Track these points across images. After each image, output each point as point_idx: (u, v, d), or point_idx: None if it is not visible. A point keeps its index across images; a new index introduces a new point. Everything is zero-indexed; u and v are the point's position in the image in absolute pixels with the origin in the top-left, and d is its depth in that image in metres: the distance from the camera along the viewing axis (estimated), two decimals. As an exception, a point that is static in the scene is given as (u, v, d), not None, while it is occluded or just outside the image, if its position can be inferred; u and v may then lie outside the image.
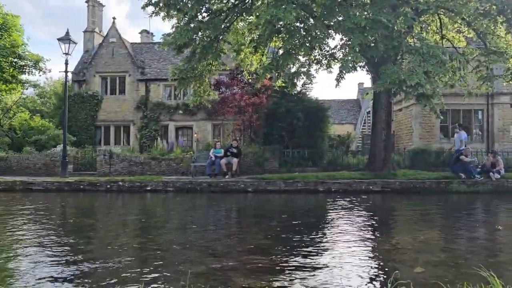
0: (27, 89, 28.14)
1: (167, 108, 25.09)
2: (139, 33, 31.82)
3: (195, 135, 24.65)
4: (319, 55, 13.98)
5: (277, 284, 3.71)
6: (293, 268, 4.20)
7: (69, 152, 16.54)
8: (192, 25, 13.66)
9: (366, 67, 14.17)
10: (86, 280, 3.74)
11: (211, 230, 6.67)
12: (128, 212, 9.21)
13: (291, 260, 4.50)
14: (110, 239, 5.84)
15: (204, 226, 7.11)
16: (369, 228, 6.76)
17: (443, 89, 15.20)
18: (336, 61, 13.60)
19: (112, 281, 3.69)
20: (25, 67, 23.95)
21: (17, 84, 24.82)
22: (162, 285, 3.60)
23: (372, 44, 12.26)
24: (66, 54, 15.83)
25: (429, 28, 15.54)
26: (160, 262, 4.38)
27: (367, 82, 42.41)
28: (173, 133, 25.31)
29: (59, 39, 15.89)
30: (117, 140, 25.66)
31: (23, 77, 25.00)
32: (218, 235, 6.19)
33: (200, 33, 14.22)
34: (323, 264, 4.35)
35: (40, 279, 3.84)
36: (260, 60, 15.59)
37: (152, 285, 3.57)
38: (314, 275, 3.97)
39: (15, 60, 23.00)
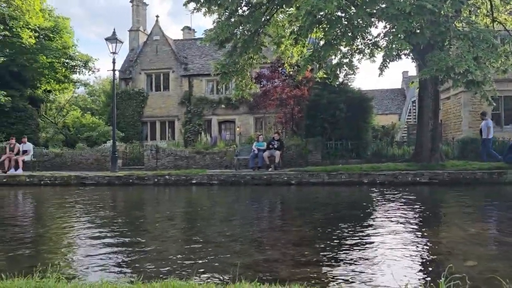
0: (78, 88, 29.62)
1: (210, 102, 25.55)
2: (181, 29, 32.55)
3: (237, 128, 24.93)
4: (361, 44, 13.67)
5: (323, 276, 3.73)
6: (339, 260, 4.20)
7: (118, 148, 17.26)
8: (232, 19, 13.79)
9: (411, 54, 13.70)
10: (136, 270, 3.92)
11: (255, 222, 6.78)
12: (175, 205, 9.52)
13: (337, 252, 4.50)
14: (159, 230, 6.08)
15: (249, 218, 7.23)
16: (418, 220, 6.60)
17: (495, 75, 14.43)
18: (379, 49, 13.25)
19: (161, 272, 3.85)
20: (76, 67, 25.21)
21: (69, 84, 26.19)
22: (211, 276, 3.72)
23: (418, 31, 11.85)
24: (113, 53, 16.46)
25: (478, 11, 14.77)
26: (208, 254, 4.51)
27: (412, 70, 40.96)
28: (216, 127, 25.74)
29: (106, 39, 16.54)
30: (162, 135, 26.46)
31: (74, 76, 26.36)
32: (263, 227, 6.28)
33: (240, 27, 14.32)
34: (371, 257, 4.31)
35: (90, 266, 4.08)
36: (301, 52, 15.49)
37: (201, 276, 3.70)
38: (361, 268, 3.95)
39: (67, 60, 24.25)
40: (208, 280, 3.54)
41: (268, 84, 20.49)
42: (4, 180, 14.47)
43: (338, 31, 12.49)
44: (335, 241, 5.03)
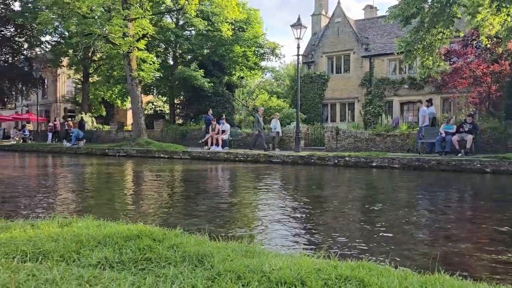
0: (266, 74, 32.19)
1: (392, 83, 24.55)
2: (363, 9, 31.81)
3: (421, 109, 23.28)
4: None
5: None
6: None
7: (301, 129, 18.28)
8: (420, -7, 12.89)
9: None
10: (316, 247, 4.19)
11: (443, 211, 6.40)
12: (356, 187, 9.66)
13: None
14: (342, 211, 6.34)
15: (435, 206, 6.87)
16: None
17: None
18: None
19: (343, 253, 4.07)
20: (264, 55, 27.49)
21: (258, 70, 28.71)
22: (397, 263, 3.76)
23: None
24: (298, 38, 17.33)
25: None
26: (393, 240, 4.53)
27: None
28: (398, 109, 24.62)
29: (292, 26, 17.50)
30: (342, 117, 26.73)
31: (263, 63, 28.75)
32: (452, 218, 5.90)
33: (429, 0, 13.29)
34: None
35: (274, 237, 4.58)
36: (504, 20, 13.44)
37: (385, 263, 3.78)
38: None
39: (257, 49, 26.62)
40: (399, 266, 3.61)
41: (458, 60, 18.49)
42: (208, 155, 17.08)
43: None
44: (543, 242, 4.42)
